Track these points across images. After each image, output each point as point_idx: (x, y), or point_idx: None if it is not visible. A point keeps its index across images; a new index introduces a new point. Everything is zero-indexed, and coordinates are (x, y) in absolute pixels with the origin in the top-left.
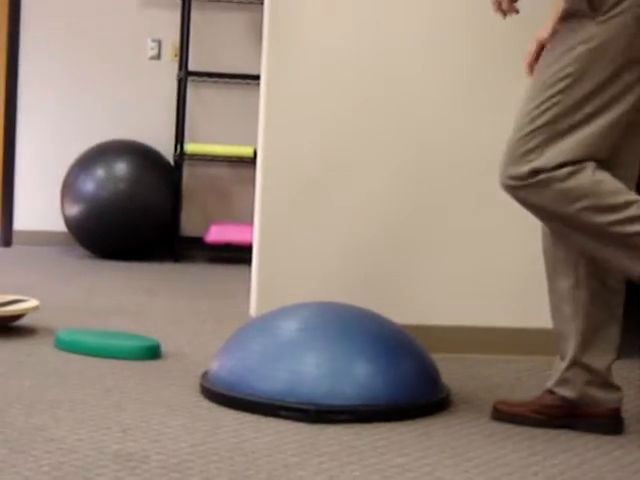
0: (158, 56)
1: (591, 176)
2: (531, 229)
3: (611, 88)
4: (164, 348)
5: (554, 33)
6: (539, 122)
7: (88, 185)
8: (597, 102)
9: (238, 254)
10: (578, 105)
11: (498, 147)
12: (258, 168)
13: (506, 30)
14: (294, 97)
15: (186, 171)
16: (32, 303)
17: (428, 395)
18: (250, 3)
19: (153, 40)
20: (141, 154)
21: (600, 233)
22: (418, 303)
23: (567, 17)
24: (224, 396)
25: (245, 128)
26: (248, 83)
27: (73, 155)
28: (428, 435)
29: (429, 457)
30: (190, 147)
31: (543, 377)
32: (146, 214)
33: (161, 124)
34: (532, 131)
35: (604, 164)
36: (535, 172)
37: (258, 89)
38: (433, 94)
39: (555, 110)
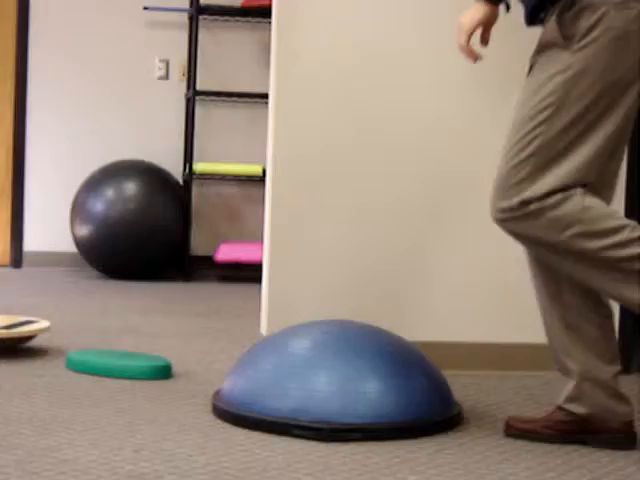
0: (166, 76)
1: (581, 202)
2: None
3: (592, 113)
4: (175, 368)
5: (531, 65)
6: (524, 154)
7: (97, 205)
8: (580, 129)
9: (248, 273)
10: (561, 134)
11: None
12: (267, 186)
13: (512, 36)
14: (302, 115)
15: (195, 190)
16: (43, 324)
17: (440, 412)
18: (257, 22)
19: (161, 60)
20: (150, 174)
21: (593, 259)
22: (428, 320)
23: (544, 48)
24: (236, 415)
25: (253, 147)
26: (256, 102)
27: (82, 176)
28: (441, 453)
29: (442, 475)
30: (199, 166)
31: (555, 392)
32: (156, 234)
33: (170, 144)
34: (519, 163)
35: (591, 187)
36: (525, 203)
37: (266, 108)
38: (440, 108)
39: (540, 140)
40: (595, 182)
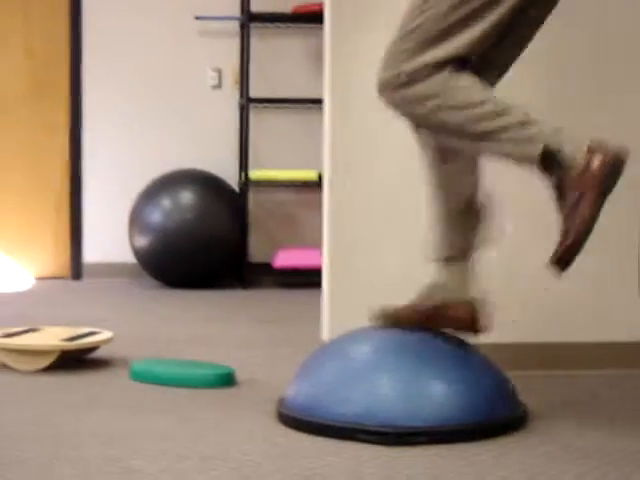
0: (219, 85)
1: (448, 77)
2: (614, 243)
3: (468, 3)
4: (238, 375)
5: None
6: (407, 30)
7: (155, 216)
8: (463, 13)
9: (306, 278)
10: (445, 16)
11: None
12: (325, 191)
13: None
14: (358, 118)
15: (251, 197)
16: (106, 335)
17: (505, 413)
18: (309, 28)
19: (213, 69)
20: (206, 183)
21: (459, 132)
22: (495, 321)
23: None
24: (301, 421)
25: (308, 152)
26: (309, 107)
27: (139, 186)
28: (507, 454)
29: (510, 477)
30: (254, 173)
31: (620, 390)
32: (213, 242)
33: (225, 152)
34: (402, 37)
35: (473, 68)
36: (399, 75)
37: (319, 113)
38: None
39: (423, 18)
40: (479, 66)
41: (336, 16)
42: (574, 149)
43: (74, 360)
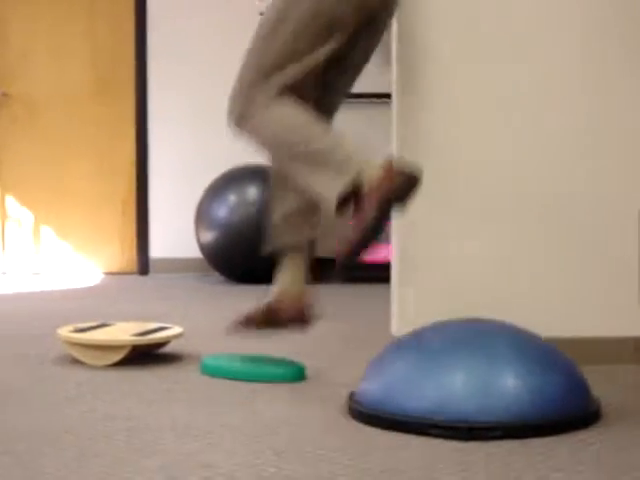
0: None
1: (283, 103)
2: None
3: (309, 31)
4: (308, 370)
5: None
6: (253, 58)
7: (221, 211)
8: (298, 42)
9: (373, 273)
10: (281, 46)
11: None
12: None
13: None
14: (426, 113)
15: None
16: (176, 330)
17: (579, 408)
18: None
19: None
20: None
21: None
22: (564, 315)
23: None
24: (373, 416)
25: (374, 146)
26: (373, 102)
27: (205, 182)
28: (582, 449)
29: (586, 471)
30: None
31: None
32: None
33: None
34: (247, 65)
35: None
36: (234, 112)
37: (385, 107)
38: (586, 103)
39: (263, 48)
40: (321, 90)
41: (405, 10)
42: (369, 170)
43: (144, 355)
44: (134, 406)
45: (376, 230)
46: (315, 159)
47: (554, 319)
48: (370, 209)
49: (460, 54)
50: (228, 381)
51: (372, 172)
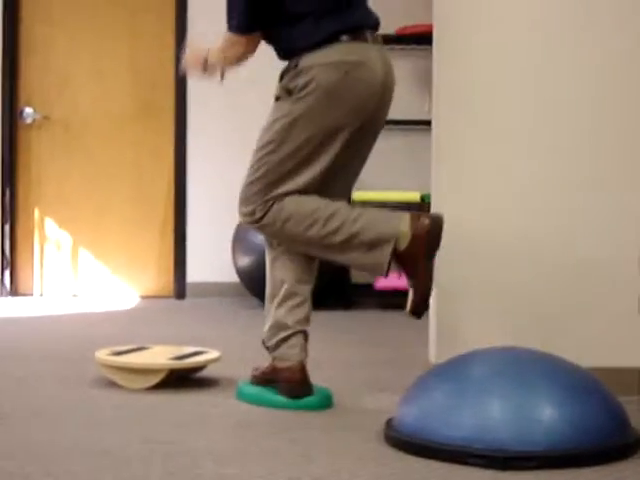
0: None
1: (292, 201)
2: None
3: (305, 150)
4: (343, 397)
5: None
6: (255, 177)
7: (258, 235)
8: (296, 161)
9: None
10: (282, 163)
11: None
12: (431, 211)
13: None
14: (465, 141)
15: None
16: (213, 354)
17: (617, 439)
18: (411, 49)
19: None
20: None
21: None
22: (604, 344)
23: (276, 99)
24: (410, 444)
25: (410, 174)
26: (412, 129)
27: None
28: None
29: None
30: (358, 195)
31: None
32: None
33: None
34: (252, 182)
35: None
36: (254, 211)
37: (423, 134)
38: (605, 140)
39: (265, 167)
40: (328, 186)
41: (444, 37)
42: (400, 224)
43: (181, 379)
44: (170, 430)
45: (432, 275)
46: (349, 243)
47: (594, 348)
48: (421, 270)
49: (499, 82)
50: (263, 407)
51: (405, 230)
